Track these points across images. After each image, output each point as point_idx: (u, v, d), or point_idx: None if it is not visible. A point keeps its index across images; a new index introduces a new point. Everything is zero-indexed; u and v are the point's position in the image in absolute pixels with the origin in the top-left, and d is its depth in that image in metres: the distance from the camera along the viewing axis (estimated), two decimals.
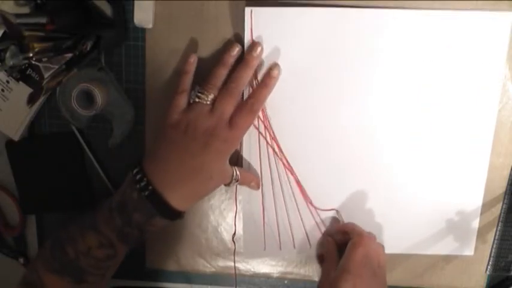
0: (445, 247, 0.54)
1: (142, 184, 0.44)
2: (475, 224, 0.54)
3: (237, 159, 0.51)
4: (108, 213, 0.46)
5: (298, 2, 0.47)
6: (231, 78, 0.46)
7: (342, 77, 0.49)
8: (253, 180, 0.50)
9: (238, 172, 0.49)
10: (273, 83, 0.47)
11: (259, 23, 0.47)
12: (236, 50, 0.46)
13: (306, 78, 0.49)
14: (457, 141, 0.51)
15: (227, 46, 0.47)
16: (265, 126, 0.50)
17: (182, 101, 0.46)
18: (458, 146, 0.51)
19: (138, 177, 0.45)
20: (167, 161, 0.45)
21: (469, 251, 0.55)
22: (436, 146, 0.51)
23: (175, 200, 0.45)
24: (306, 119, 0.50)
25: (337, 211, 0.53)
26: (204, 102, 0.45)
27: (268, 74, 0.47)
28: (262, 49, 0.47)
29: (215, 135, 0.44)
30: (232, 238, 0.53)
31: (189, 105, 0.46)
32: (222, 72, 0.46)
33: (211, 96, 0.45)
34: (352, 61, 0.48)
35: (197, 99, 0.46)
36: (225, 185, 0.49)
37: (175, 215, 0.46)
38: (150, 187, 0.44)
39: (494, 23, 0.47)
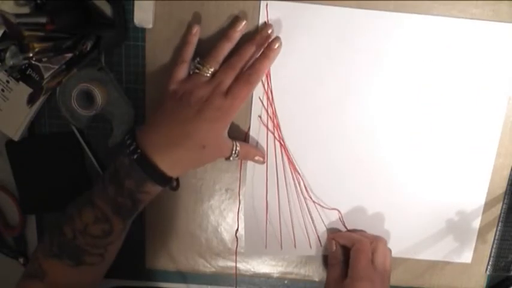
0: (445, 247, 0.55)
1: (132, 148, 0.44)
2: (476, 224, 0.54)
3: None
4: (102, 184, 0.46)
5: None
6: (235, 52, 0.46)
7: (349, 77, 0.49)
8: (257, 154, 0.50)
9: (238, 145, 0.48)
10: (273, 56, 0.47)
11: (271, 16, 0.47)
12: (242, 25, 0.46)
13: (311, 74, 0.49)
14: (463, 144, 0.51)
15: (233, 22, 0.47)
16: (273, 124, 0.50)
17: (182, 71, 0.46)
18: (463, 148, 0.51)
19: (128, 142, 0.45)
20: (158, 126, 0.45)
21: (467, 258, 0.55)
22: (441, 148, 0.51)
23: (165, 165, 0.45)
24: (312, 118, 0.50)
25: (339, 211, 0.53)
26: (204, 74, 0.46)
27: (269, 46, 0.47)
28: (273, 31, 0.47)
29: (209, 103, 0.44)
30: (235, 233, 0.53)
31: (189, 76, 0.46)
32: (225, 47, 0.46)
33: (211, 69, 0.46)
34: (360, 62, 0.49)
35: (197, 71, 0.46)
36: (226, 158, 0.49)
37: (166, 181, 0.46)
38: (139, 150, 0.44)
39: (500, 30, 0.47)
